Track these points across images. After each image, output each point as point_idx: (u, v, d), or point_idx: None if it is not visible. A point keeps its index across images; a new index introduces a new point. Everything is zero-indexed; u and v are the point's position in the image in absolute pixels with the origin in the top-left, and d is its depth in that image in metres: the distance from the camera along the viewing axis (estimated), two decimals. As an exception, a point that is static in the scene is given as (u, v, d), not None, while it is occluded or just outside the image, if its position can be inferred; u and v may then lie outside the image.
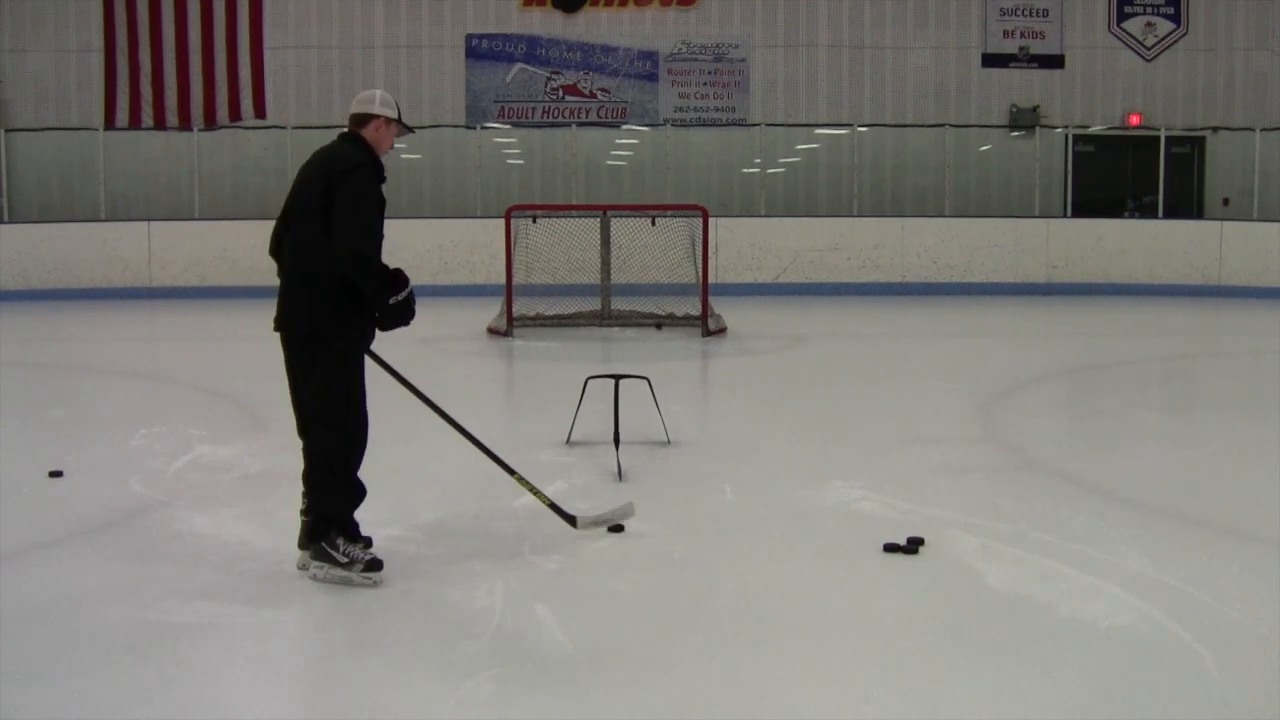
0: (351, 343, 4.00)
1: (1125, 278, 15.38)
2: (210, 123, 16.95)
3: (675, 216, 12.14)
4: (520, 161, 16.92)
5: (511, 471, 4.46)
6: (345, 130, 4.17)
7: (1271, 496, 5.26)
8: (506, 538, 4.47)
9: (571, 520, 4.42)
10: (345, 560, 3.95)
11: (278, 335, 4.03)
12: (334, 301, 3.90)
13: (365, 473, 4.09)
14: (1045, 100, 17.70)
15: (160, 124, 17.02)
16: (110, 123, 16.88)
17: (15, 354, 10.16)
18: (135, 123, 17.07)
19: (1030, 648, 3.44)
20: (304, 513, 4.07)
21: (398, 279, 3.98)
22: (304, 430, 4.05)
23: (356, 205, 3.88)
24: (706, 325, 11.07)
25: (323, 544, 3.96)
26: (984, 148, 17.51)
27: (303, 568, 4.06)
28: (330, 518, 3.99)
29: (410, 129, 4.36)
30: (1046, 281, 15.44)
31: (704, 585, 3.99)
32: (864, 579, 4.07)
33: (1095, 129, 17.40)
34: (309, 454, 4.02)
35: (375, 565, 3.97)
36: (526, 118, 17.36)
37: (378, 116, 4.14)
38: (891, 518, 4.73)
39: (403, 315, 4.04)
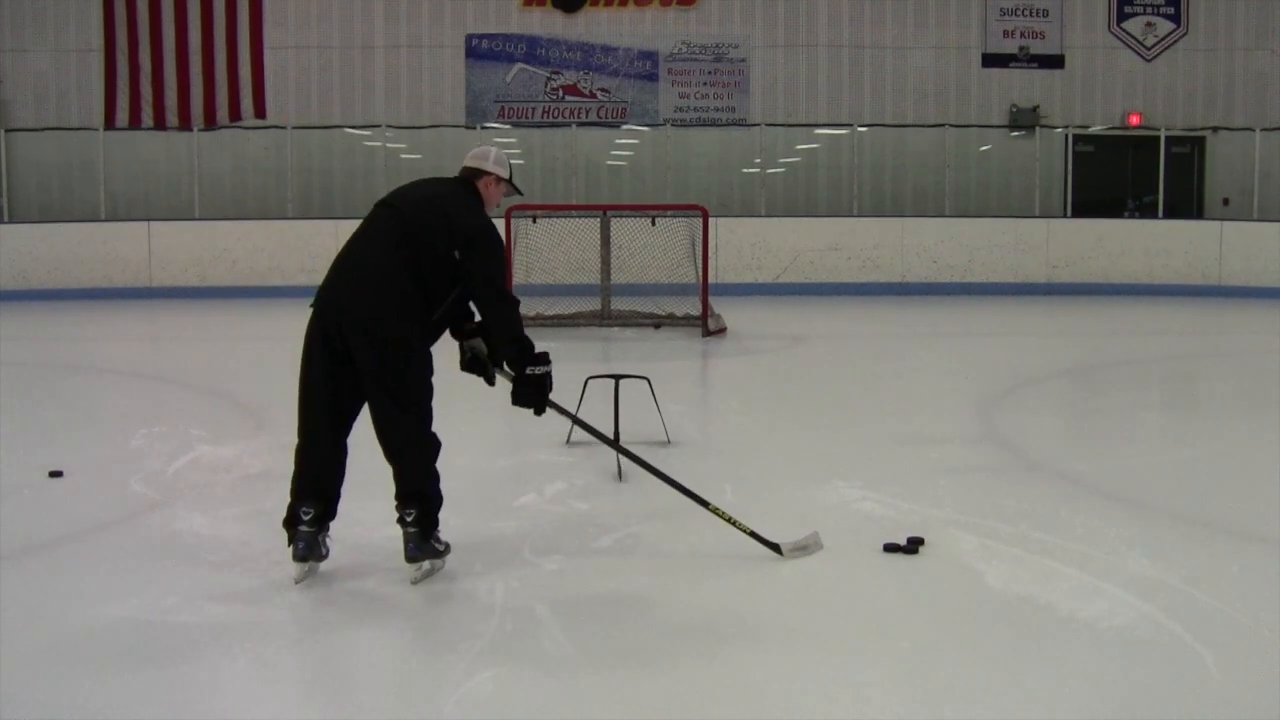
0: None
1: (1125, 278, 15.37)
2: (210, 123, 16.95)
3: (675, 216, 12.14)
4: (520, 161, 16.91)
5: (705, 503, 4.38)
6: (461, 176, 4.23)
7: (1271, 496, 5.26)
8: (506, 538, 4.48)
9: (776, 548, 4.27)
10: (442, 548, 4.05)
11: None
12: (418, 313, 3.94)
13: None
14: (1045, 100, 17.69)
15: (160, 124, 17.02)
16: (110, 123, 16.88)
17: (15, 354, 10.16)
18: (135, 123, 17.07)
19: (1030, 648, 3.44)
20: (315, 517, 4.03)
21: (539, 358, 4.04)
22: (342, 430, 3.99)
23: (496, 272, 4.02)
24: (706, 325, 11.07)
25: (432, 541, 3.99)
26: (984, 148, 17.50)
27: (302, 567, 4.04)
28: (436, 511, 4.02)
29: (520, 191, 4.44)
30: (1046, 281, 15.43)
31: (704, 585, 3.99)
32: (864, 579, 4.07)
33: (1095, 129, 17.40)
34: (411, 455, 3.95)
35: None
36: (526, 118, 17.37)
37: (489, 174, 4.21)
38: (891, 518, 4.73)
39: (536, 395, 4.06)
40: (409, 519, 3.93)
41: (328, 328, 3.89)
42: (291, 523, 3.97)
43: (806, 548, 4.30)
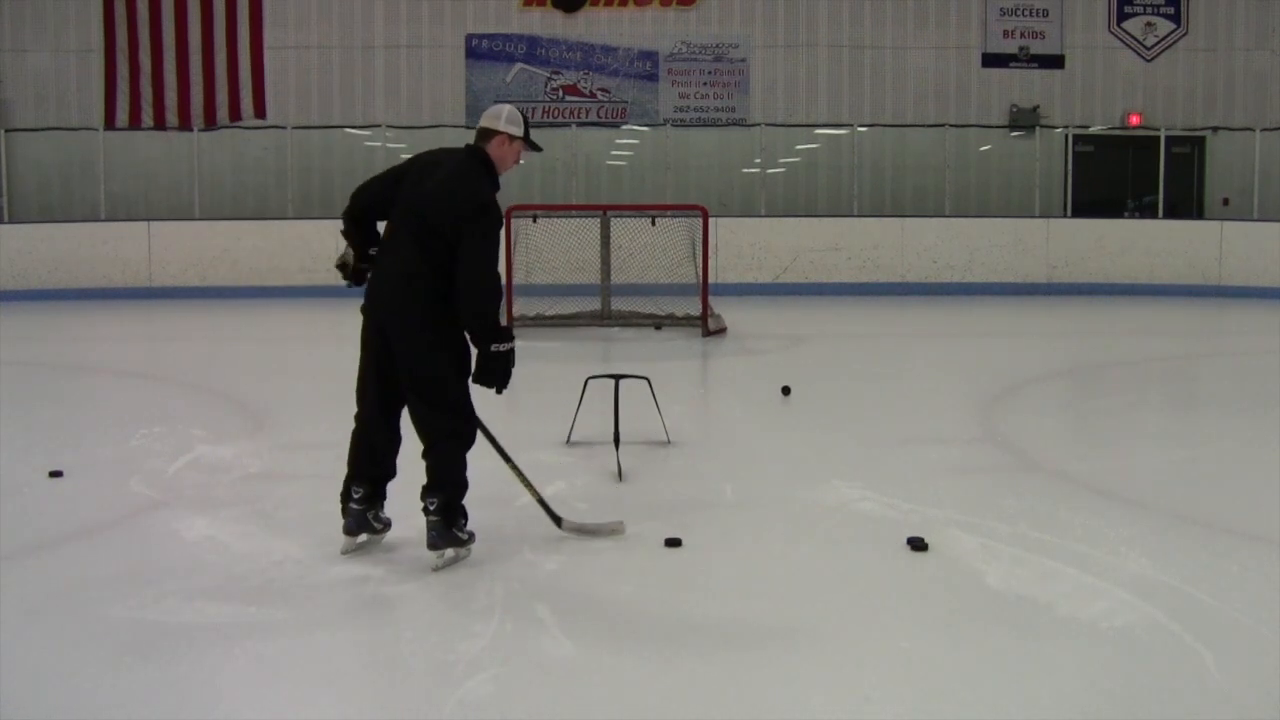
0: None
1: (1125, 278, 15.37)
2: (210, 123, 16.95)
3: (675, 216, 12.13)
4: (520, 161, 16.85)
5: (509, 460, 4.45)
6: (475, 142, 4.25)
7: (1271, 496, 5.26)
8: (506, 538, 4.47)
9: (557, 521, 4.47)
10: (466, 537, 4.18)
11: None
12: (442, 309, 4.01)
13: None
14: (1045, 100, 17.69)
15: (160, 124, 17.02)
16: (110, 123, 16.87)
17: (15, 354, 10.15)
18: (135, 123, 17.06)
19: (1030, 648, 3.44)
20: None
21: (503, 334, 4.01)
22: (392, 415, 4.18)
23: (484, 252, 4.00)
24: (706, 325, 11.07)
25: (455, 530, 4.13)
26: (984, 148, 17.50)
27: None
28: (459, 500, 4.20)
29: (538, 147, 4.43)
30: (1046, 281, 15.43)
31: (704, 586, 3.99)
32: (864, 579, 4.07)
33: (1095, 129, 17.40)
34: (440, 448, 4.12)
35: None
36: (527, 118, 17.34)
37: (500, 133, 4.23)
38: (891, 518, 4.73)
39: (499, 373, 4.03)
40: (431, 507, 4.07)
41: (373, 324, 4.08)
42: (344, 499, 4.22)
43: (593, 531, 4.42)
